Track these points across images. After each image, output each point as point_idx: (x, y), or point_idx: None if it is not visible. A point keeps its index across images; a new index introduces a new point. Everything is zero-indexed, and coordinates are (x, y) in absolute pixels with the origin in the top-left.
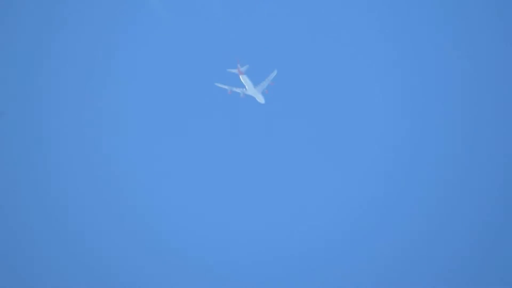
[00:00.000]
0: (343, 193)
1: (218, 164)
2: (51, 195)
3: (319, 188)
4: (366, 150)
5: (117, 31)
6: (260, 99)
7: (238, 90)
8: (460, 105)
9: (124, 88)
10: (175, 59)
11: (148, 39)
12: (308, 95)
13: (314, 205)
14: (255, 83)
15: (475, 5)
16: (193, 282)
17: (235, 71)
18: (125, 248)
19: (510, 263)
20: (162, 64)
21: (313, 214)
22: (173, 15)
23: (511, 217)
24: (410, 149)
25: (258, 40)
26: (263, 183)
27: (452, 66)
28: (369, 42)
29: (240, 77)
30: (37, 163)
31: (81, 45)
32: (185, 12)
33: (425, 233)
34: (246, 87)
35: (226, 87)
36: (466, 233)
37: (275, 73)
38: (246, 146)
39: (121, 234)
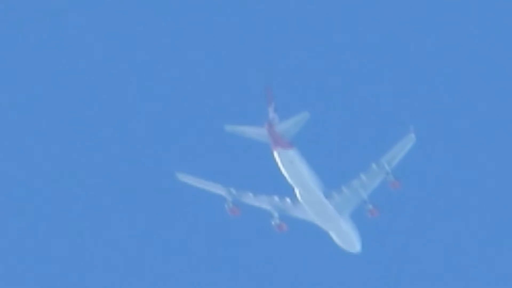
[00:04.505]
0: None
1: None
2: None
3: None
4: None
5: None
6: (346, 236)
7: (266, 203)
8: None
9: None
10: None
11: None
12: None
13: None
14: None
15: None
16: None
17: (262, 133)
18: None
19: None
20: None
21: None
22: None
23: None
24: None
25: None
26: None
27: None
28: None
29: (275, 153)
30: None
31: None
32: None
33: None
34: (297, 191)
35: (220, 191)
36: None
37: (412, 138)
38: None
39: None
